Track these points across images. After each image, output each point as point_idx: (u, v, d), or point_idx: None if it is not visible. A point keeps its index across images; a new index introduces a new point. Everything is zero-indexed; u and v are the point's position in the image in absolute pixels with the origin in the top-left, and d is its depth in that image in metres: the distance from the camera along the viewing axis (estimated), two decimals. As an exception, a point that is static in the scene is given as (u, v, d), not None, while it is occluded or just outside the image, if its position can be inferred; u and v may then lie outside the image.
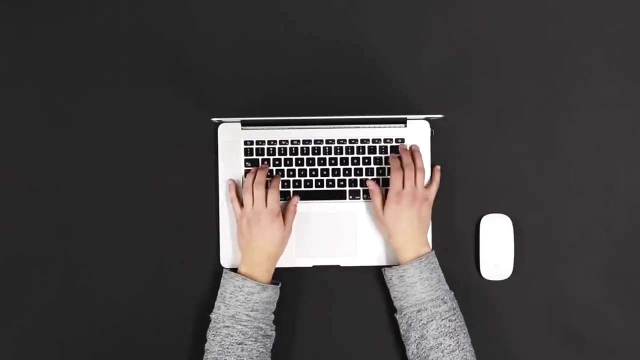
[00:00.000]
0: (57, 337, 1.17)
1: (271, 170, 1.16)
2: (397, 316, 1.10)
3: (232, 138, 1.17)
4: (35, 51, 1.18)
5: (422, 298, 1.06)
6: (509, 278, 1.17)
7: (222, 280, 1.10)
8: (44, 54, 1.18)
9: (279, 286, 1.10)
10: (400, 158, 1.13)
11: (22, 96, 1.18)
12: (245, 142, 1.17)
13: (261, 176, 1.11)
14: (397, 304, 1.10)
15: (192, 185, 1.18)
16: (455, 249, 1.18)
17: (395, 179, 1.10)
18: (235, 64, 1.19)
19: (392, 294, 1.11)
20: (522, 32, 1.19)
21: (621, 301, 1.18)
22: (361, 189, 1.16)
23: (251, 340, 1.05)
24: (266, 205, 1.09)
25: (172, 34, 1.19)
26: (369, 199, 1.15)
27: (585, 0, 1.19)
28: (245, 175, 1.16)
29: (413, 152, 1.14)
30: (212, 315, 1.08)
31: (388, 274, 1.11)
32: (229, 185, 1.15)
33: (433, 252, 1.11)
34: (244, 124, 1.16)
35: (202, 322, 1.15)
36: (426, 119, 1.17)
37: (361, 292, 1.17)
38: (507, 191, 1.18)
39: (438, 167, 1.15)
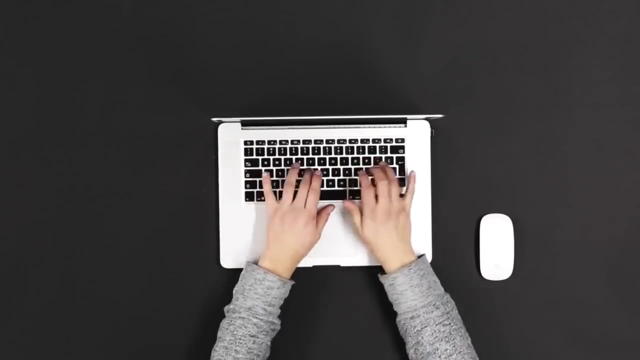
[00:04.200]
0: (57, 338, 1.17)
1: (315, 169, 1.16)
2: (396, 321, 1.10)
3: (232, 138, 1.17)
4: (35, 50, 1.18)
5: (414, 305, 1.06)
6: (509, 278, 1.17)
7: (243, 272, 1.09)
8: (43, 54, 1.18)
9: (292, 283, 1.10)
10: (370, 174, 1.12)
11: (21, 96, 1.18)
12: (245, 142, 1.17)
13: (309, 175, 1.11)
14: (394, 309, 1.10)
15: (192, 185, 1.18)
16: (455, 249, 1.18)
17: (366, 197, 1.10)
18: (235, 64, 1.19)
19: (389, 300, 1.11)
20: (522, 33, 1.19)
21: (621, 301, 1.18)
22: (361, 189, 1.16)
23: (263, 334, 1.06)
24: (305, 206, 1.09)
25: (172, 34, 1.19)
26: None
27: (585, 0, 1.19)
28: (245, 175, 1.16)
29: (383, 167, 1.13)
30: (230, 306, 1.08)
31: (381, 280, 1.11)
32: (264, 178, 1.14)
33: (423, 257, 1.11)
34: (244, 124, 1.16)
35: (202, 322, 1.15)
36: (426, 119, 1.17)
37: (361, 292, 1.17)
38: (507, 191, 1.18)
39: (413, 174, 1.14)
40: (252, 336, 1.05)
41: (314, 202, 1.10)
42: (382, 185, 1.09)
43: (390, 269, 1.09)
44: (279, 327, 1.09)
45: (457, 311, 1.08)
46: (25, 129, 1.18)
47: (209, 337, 1.08)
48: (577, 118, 1.19)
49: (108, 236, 1.18)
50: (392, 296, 1.09)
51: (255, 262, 1.11)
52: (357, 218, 1.12)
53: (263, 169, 1.16)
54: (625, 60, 1.19)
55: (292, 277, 1.11)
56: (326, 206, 1.14)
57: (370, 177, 1.11)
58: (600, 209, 1.18)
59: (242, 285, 1.08)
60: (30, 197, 1.17)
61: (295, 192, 1.11)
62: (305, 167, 1.16)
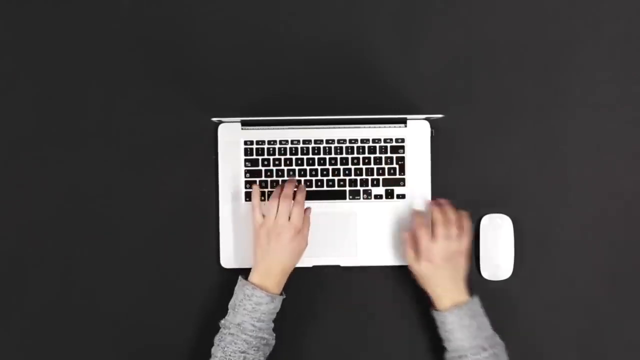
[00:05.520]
0: (57, 338, 1.17)
1: (298, 181, 1.16)
2: (444, 357, 1.10)
3: (232, 138, 1.17)
4: (35, 50, 1.18)
5: (462, 345, 1.06)
6: (509, 278, 1.17)
7: (235, 287, 1.09)
8: (43, 54, 1.18)
9: (283, 297, 1.09)
10: (433, 210, 1.11)
11: (21, 96, 1.18)
12: (245, 142, 1.17)
13: (289, 189, 1.09)
14: (443, 344, 1.10)
15: (192, 185, 1.18)
16: (455, 249, 1.18)
17: (421, 237, 1.09)
18: (235, 64, 1.19)
19: (439, 334, 1.11)
20: (522, 32, 1.19)
21: (621, 301, 1.18)
22: (361, 189, 1.16)
23: (254, 350, 1.05)
24: (289, 219, 1.08)
25: (172, 34, 1.19)
26: (369, 198, 1.15)
27: (585, 0, 1.19)
28: (245, 175, 1.16)
29: (442, 205, 1.12)
30: (222, 321, 1.07)
31: (433, 315, 1.10)
32: (253, 191, 1.12)
33: (476, 298, 1.10)
34: (244, 124, 1.16)
35: (202, 322, 1.15)
36: (426, 119, 1.17)
37: (361, 292, 1.17)
38: (507, 191, 1.18)
39: (466, 214, 1.12)
40: (242, 352, 1.04)
41: (298, 214, 1.08)
42: (439, 228, 1.09)
43: (441, 306, 1.09)
44: (272, 342, 1.08)
45: (504, 350, 1.08)
46: (25, 129, 1.18)
47: (209, 338, 1.08)
48: (577, 118, 1.19)
49: (108, 236, 1.18)
50: (441, 332, 1.09)
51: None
52: (410, 254, 1.11)
53: (257, 180, 1.16)
54: (625, 60, 1.19)
55: (290, 281, 1.10)
56: (305, 210, 1.10)
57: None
58: (600, 209, 1.18)
59: (233, 300, 1.08)
60: (30, 197, 1.17)
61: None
62: (288, 179, 1.15)
